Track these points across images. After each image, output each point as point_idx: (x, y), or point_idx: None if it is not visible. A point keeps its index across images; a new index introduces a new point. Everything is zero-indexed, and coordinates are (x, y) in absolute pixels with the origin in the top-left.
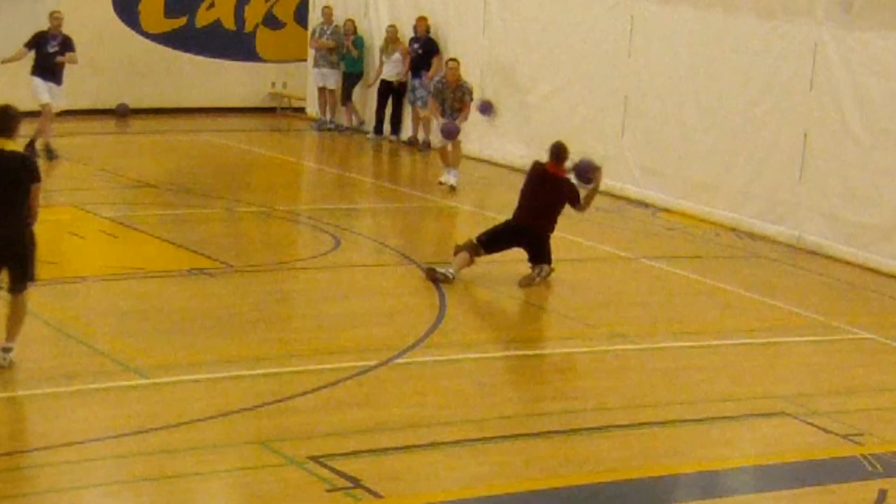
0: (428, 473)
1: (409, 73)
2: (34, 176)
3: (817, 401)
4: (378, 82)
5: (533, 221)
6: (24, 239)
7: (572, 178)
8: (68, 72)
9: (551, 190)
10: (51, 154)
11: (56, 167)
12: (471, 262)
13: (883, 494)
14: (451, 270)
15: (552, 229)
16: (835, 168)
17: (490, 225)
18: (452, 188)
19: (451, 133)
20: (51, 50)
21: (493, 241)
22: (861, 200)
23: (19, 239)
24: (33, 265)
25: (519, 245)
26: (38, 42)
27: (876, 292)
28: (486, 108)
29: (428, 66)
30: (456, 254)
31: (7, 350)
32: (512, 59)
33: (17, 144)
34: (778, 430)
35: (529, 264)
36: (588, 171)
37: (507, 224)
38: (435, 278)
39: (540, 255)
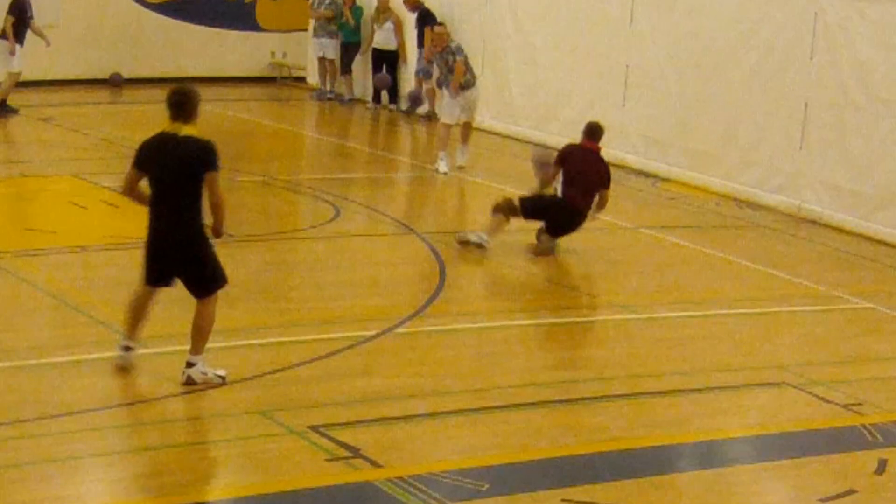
0: (428, 443)
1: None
2: (210, 163)
3: (817, 370)
4: (370, 51)
5: (585, 204)
6: (195, 237)
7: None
8: (69, 40)
9: (596, 165)
10: (8, 110)
11: (56, 136)
12: (506, 223)
13: (883, 464)
14: (484, 237)
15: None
16: (835, 137)
17: (497, 194)
18: (462, 167)
19: (416, 100)
20: (32, 16)
21: (537, 211)
22: (861, 169)
23: (189, 237)
24: (212, 268)
25: (558, 224)
26: (20, 9)
27: (876, 261)
28: (415, 99)
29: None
30: (494, 213)
31: (190, 365)
32: (513, 28)
33: (195, 129)
34: (778, 399)
35: (546, 235)
36: (545, 162)
37: (557, 201)
38: (467, 245)
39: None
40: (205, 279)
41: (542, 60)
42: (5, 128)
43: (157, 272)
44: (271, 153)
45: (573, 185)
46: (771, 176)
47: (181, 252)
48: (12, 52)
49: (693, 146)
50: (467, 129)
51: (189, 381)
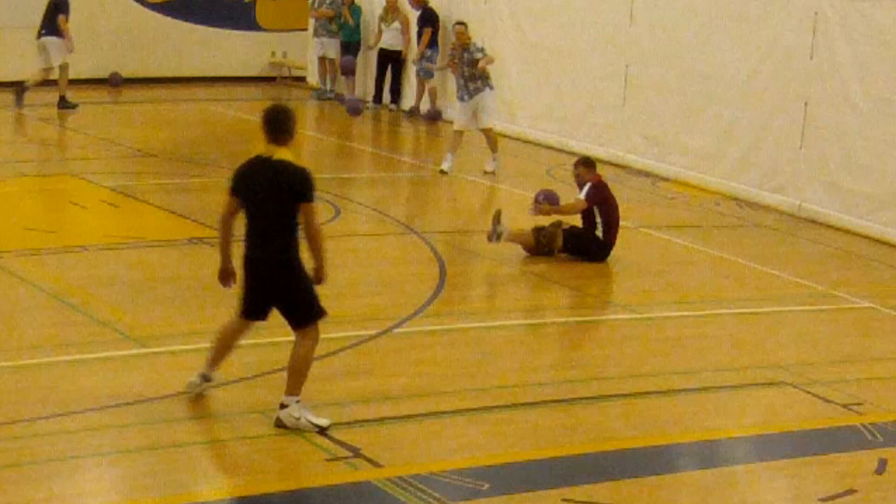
0: (428, 442)
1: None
2: (303, 194)
3: (817, 370)
4: (377, 50)
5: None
6: (287, 268)
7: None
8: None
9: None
10: (68, 105)
11: (56, 136)
12: (526, 243)
13: (883, 463)
14: (503, 237)
15: None
16: (835, 137)
17: (497, 193)
18: (491, 173)
19: (356, 110)
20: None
21: (576, 250)
22: (861, 169)
23: (281, 268)
24: (307, 299)
25: (587, 258)
26: (67, 5)
27: (876, 261)
28: (355, 108)
29: (428, 39)
30: (534, 231)
31: (282, 406)
32: (514, 27)
33: (291, 154)
34: (778, 399)
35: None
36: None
37: (599, 242)
38: (496, 219)
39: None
40: (300, 309)
41: (541, 60)
42: (6, 127)
43: (254, 304)
44: None
45: (614, 226)
46: (771, 175)
47: (274, 280)
48: (71, 50)
49: (693, 146)
50: (488, 136)
51: (279, 424)
